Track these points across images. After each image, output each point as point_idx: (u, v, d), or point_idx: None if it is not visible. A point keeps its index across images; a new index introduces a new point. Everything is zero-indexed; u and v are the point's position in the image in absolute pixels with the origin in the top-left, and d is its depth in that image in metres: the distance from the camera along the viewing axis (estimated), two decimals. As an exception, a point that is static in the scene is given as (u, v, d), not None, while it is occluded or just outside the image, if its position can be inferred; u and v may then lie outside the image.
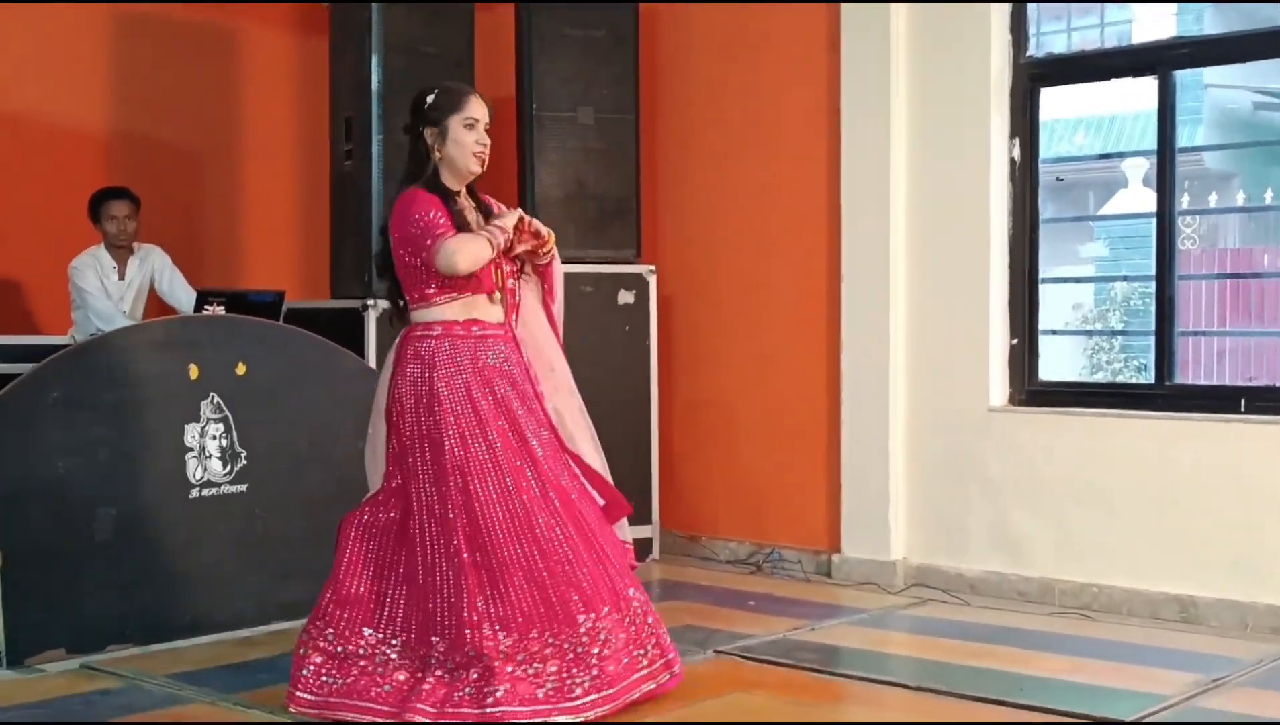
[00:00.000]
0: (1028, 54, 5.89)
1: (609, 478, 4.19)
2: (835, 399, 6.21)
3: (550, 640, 3.75)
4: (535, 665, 3.71)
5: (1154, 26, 11.26)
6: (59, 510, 4.66)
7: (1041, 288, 5.95)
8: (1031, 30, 5.96)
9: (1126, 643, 4.94)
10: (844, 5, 6.12)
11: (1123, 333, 11.70)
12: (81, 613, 4.69)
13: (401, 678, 3.79)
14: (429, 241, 3.77)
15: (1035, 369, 5.90)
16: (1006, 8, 5.85)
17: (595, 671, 3.78)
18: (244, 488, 5.11)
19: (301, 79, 7.34)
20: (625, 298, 6.43)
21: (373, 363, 5.69)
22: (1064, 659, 4.68)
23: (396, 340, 3.98)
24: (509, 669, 3.68)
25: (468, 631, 3.70)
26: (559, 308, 4.15)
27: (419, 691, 3.71)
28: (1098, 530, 5.52)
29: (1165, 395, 5.52)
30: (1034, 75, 5.87)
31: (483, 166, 3.91)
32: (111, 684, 4.38)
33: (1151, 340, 5.70)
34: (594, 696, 3.76)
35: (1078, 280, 11.50)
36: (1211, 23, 11.54)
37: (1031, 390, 5.86)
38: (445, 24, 6.20)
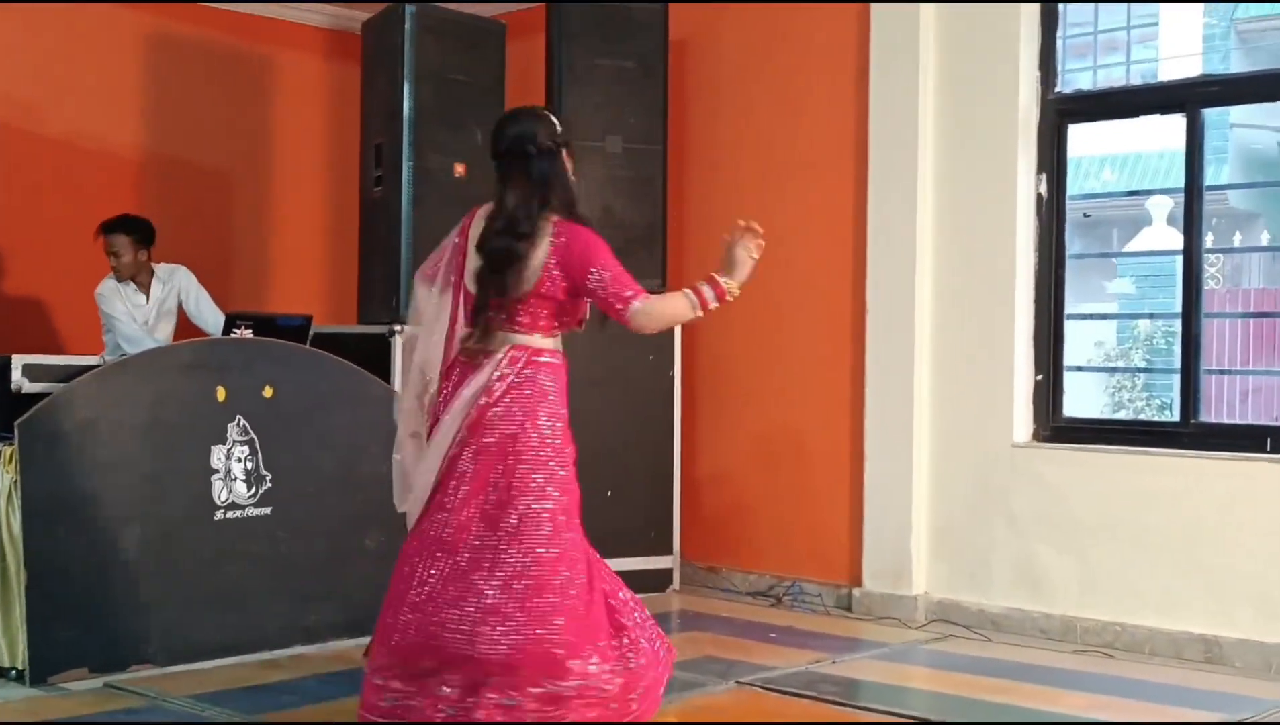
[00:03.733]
0: (1056, 90, 5.90)
1: None
2: (859, 432, 6.21)
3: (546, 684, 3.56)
4: (513, 698, 3.61)
5: (1180, 65, 11.29)
6: (85, 530, 4.70)
7: (1066, 324, 5.95)
8: (1059, 67, 5.98)
9: (1150, 682, 4.91)
10: (873, 39, 6.15)
11: (1146, 370, 11.67)
12: (105, 632, 4.72)
13: (396, 686, 3.71)
14: (627, 293, 3.67)
15: (1060, 405, 5.89)
16: (1035, 44, 5.86)
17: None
18: (268, 510, 5.14)
19: (333, 105, 7.40)
20: (650, 327, 6.42)
21: (398, 387, 5.71)
22: (1086, 697, 4.65)
23: (519, 362, 3.72)
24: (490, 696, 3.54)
25: (476, 652, 3.56)
26: None
27: (408, 707, 3.63)
28: (1122, 568, 5.49)
29: (1191, 433, 5.50)
30: (1062, 111, 5.88)
31: None
32: (134, 703, 4.40)
33: (1175, 378, 5.70)
34: None
35: (1103, 317, 11.49)
36: (1238, 61, 11.56)
37: (1056, 426, 5.85)
38: (476, 52, 6.24)
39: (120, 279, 6.06)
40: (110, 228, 6.04)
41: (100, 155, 6.71)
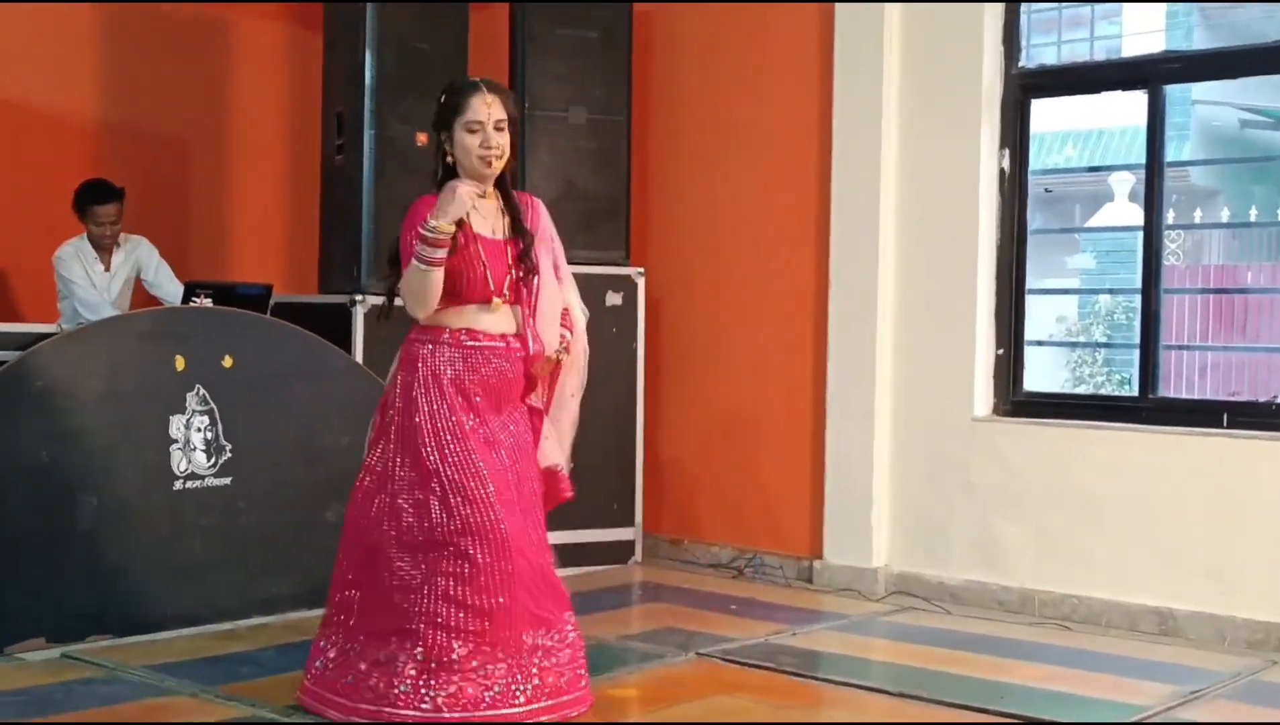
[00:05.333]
0: (1019, 65, 5.91)
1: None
2: (821, 405, 6.22)
3: (501, 655, 3.72)
4: (486, 668, 3.69)
5: (1143, 41, 11.33)
6: (42, 499, 4.65)
7: (1027, 299, 5.98)
8: (1023, 42, 5.98)
9: (1105, 653, 4.97)
10: (838, 11, 6.14)
11: (1106, 345, 11.75)
12: (62, 602, 4.68)
13: (362, 667, 3.76)
14: (403, 267, 3.79)
15: (1020, 379, 5.93)
16: (999, 18, 5.87)
17: (536, 681, 3.77)
18: (228, 481, 5.10)
19: (294, 72, 7.32)
20: (613, 299, 6.43)
21: (360, 358, 5.69)
22: (1043, 668, 4.70)
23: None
24: (456, 676, 3.67)
25: (426, 632, 3.68)
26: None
27: (368, 688, 3.71)
28: (1079, 541, 5.54)
29: (1149, 408, 5.55)
30: (1025, 86, 5.90)
31: (491, 167, 3.79)
32: (92, 674, 4.37)
33: (1135, 353, 5.74)
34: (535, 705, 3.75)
35: (1063, 292, 11.55)
36: (1200, 39, 11.61)
37: (1016, 400, 5.88)
38: (439, 20, 6.19)
39: (106, 247, 6.01)
40: (103, 197, 5.96)
41: (56, 122, 6.61)
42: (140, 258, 6.16)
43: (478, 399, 3.79)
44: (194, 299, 5.49)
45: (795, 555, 6.34)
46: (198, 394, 5.03)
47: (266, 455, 5.21)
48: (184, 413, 5.00)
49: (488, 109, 3.76)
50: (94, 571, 4.76)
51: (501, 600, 3.69)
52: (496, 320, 3.82)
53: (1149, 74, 5.70)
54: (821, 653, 4.93)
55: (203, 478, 5.04)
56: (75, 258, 5.98)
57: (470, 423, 3.78)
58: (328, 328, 5.61)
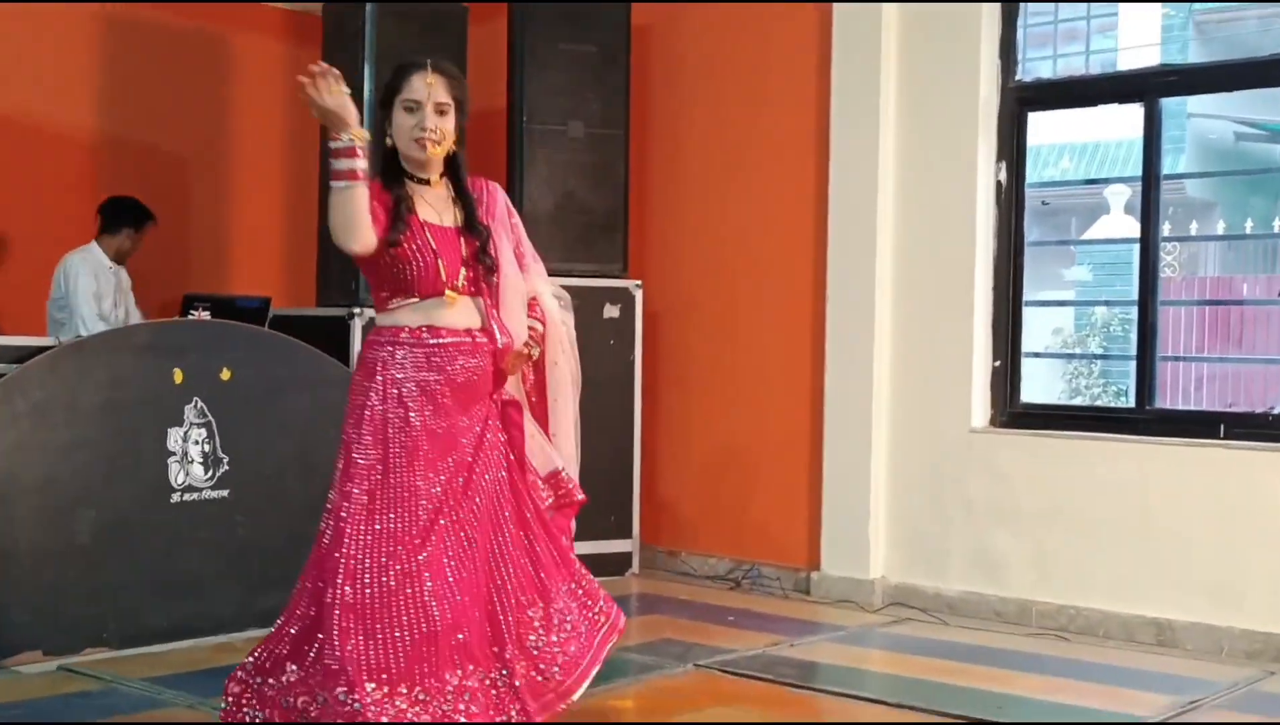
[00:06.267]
0: (1016, 78, 5.93)
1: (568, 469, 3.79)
2: (818, 417, 6.23)
3: (420, 696, 3.37)
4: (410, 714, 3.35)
5: (1139, 55, 11.37)
6: (39, 512, 4.66)
7: (1024, 311, 5.99)
8: (1019, 55, 6.00)
9: (1103, 664, 4.97)
10: (835, 27, 6.16)
11: (1103, 357, 11.77)
12: (60, 615, 4.68)
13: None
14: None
15: (1017, 391, 5.94)
16: (996, 33, 5.89)
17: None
18: (225, 493, 5.11)
19: (292, 86, 7.27)
20: (611, 312, 6.44)
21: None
22: (1041, 679, 4.71)
23: None
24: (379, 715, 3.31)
25: (336, 670, 3.36)
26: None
27: None
28: (1076, 552, 5.54)
29: (1146, 420, 5.56)
30: (1022, 99, 5.91)
31: (426, 151, 3.42)
32: (90, 686, 4.37)
33: (1131, 365, 5.76)
34: None
35: (1060, 304, 11.57)
36: (1196, 52, 11.65)
37: (1013, 412, 5.89)
38: (438, 34, 6.21)
39: (122, 263, 6.06)
40: (150, 215, 6.06)
41: (55, 137, 6.63)
42: (124, 281, 6.20)
43: (444, 400, 3.46)
44: (192, 312, 5.50)
45: (793, 567, 6.35)
46: (195, 407, 5.04)
47: (264, 468, 5.21)
48: (182, 425, 5.01)
49: (428, 88, 3.42)
50: (91, 584, 4.76)
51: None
52: (457, 314, 3.49)
53: (1145, 87, 5.72)
54: (819, 664, 4.93)
55: (200, 490, 5.05)
56: (88, 265, 5.99)
57: (438, 426, 3.46)
58: (325, 340, 5.62)
